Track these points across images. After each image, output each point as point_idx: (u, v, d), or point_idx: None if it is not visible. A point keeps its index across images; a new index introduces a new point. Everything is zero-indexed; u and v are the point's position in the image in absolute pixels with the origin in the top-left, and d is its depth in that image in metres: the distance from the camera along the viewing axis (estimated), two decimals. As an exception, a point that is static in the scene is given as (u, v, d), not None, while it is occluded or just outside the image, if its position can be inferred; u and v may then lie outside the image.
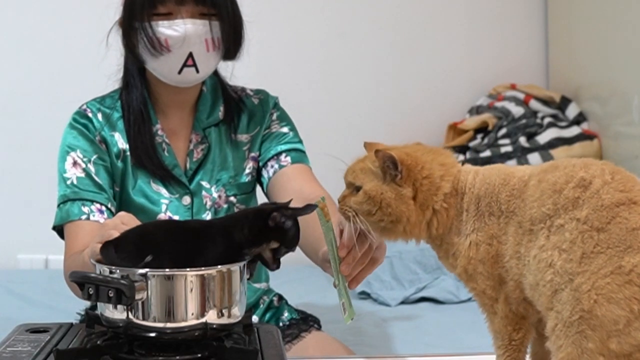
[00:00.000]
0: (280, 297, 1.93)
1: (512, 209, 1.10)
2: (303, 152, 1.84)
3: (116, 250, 1.24)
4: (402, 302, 2.63)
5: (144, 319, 1.20)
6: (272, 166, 1.80)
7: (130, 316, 1.21)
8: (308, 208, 1.27)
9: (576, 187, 1.04)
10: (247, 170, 1.83)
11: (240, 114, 1.84)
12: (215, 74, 1.84)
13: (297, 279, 2.77)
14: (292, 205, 1.32)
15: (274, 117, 1.86)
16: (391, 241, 1.26)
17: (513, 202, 1.10)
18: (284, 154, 1.81)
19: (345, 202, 1.19)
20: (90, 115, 1.79)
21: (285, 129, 1.85)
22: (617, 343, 0.99)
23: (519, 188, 1.10)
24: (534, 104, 3.26)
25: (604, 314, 0.98)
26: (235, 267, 1.24)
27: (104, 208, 1.69)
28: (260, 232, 1.27)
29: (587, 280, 1.00)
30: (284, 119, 1.87)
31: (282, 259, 1.32)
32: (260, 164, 1.84)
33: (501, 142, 3.19)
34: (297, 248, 1.69)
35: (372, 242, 1.27)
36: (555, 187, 1.06)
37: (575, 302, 1.00)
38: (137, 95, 1.78)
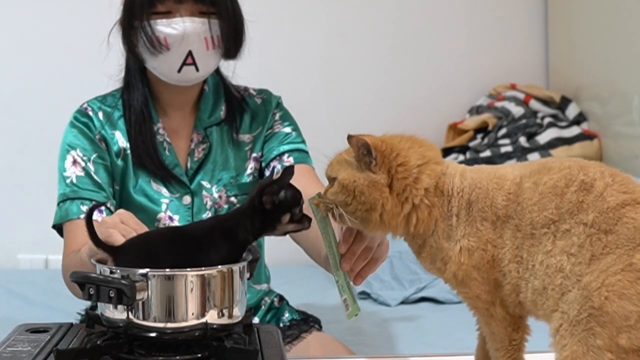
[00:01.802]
0: (281, 298, 1.93)
1: (509, 213, 1.09)
2: (306, 152, 1.84)
3: (117, 260, 1.23)
4: (402, 302, 2.63)
5: (144, 319, 1.20)
6: (274, 167, 1.80)
7: (131, 316, 1.20)
8: (288, 173, 1.25)
9: (578, 190, 1.04)
10: (249, 171, 1.82)
11: (242, 113, 1.84)
12: (217, 73, 1.84)
13: (297, 280, 2.77)
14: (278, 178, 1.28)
15: (277, 117, 1.86)
16: (371, 233, 1.23)
17: (510, 207, 1.09)
18: (286, 155, 1.80)
19: (325, 195, 1.18)
20: (90, 113, 1.79)
21: (288, 129, 1.85)
22: (627, 339, 0.99)
23: (514, 192, 1.09)
24: (534, 104, 3.26)
25: (615, 310, 0.99)
26: (236, 267, 1.24)
27: (102, 207, 1.69)
28: (265, 220, 1.26)
29: (597, 278, 1.00)
30: (287, 118, 1.87)
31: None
32: (263, 164, 1.83)
33: (501, 142, 3.18)
34: (299, 248, 1.69)
35: (370, 239, 1.27)
36: (555, 190, 1.05)
37: (584, 300, 1.00)
38: (138, 94, 1.78)
